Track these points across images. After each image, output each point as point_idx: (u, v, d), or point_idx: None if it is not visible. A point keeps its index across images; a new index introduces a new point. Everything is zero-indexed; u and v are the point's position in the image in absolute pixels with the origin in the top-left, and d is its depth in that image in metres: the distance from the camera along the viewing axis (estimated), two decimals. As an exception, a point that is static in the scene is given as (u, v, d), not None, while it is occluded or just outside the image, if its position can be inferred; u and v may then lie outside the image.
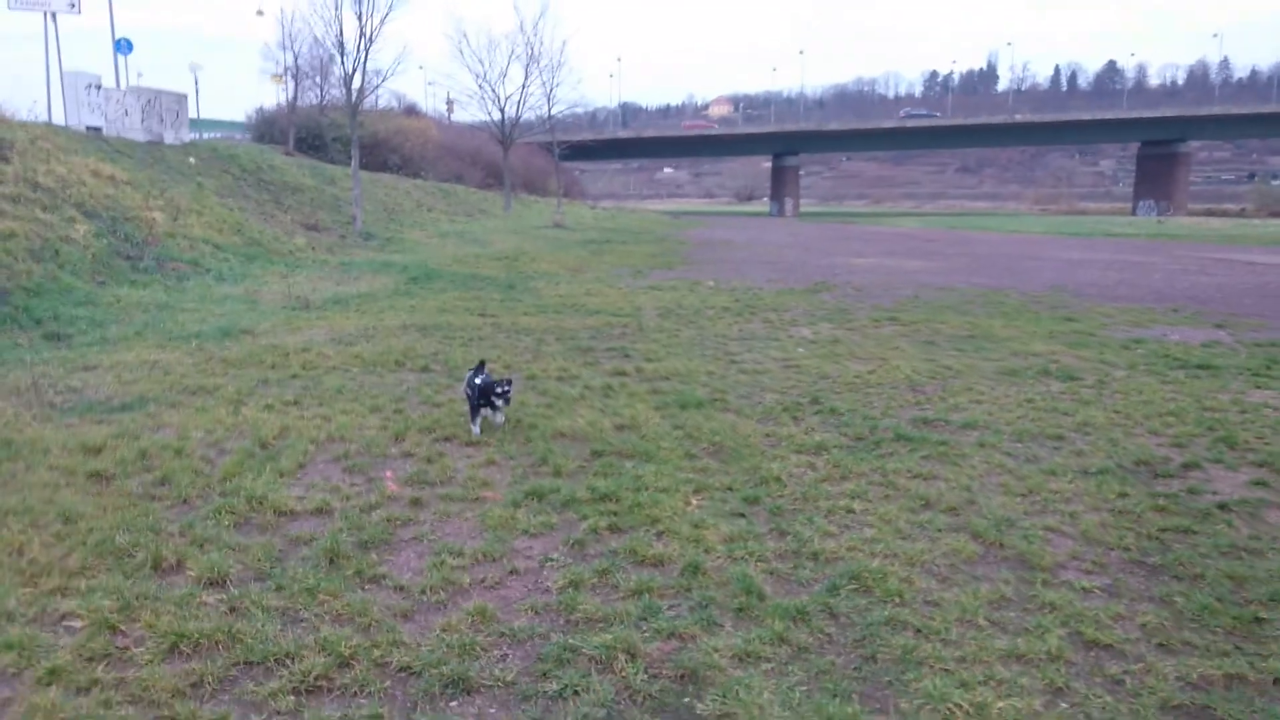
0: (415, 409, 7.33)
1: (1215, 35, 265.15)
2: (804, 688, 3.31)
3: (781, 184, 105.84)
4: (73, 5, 23.12)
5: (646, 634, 3.68)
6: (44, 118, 23.88)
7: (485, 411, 6.60)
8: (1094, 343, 11.01)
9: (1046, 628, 3.78)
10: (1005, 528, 4.90)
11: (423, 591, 4.07)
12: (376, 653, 3.49)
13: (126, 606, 3.81)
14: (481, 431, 6.53)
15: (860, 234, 44.31)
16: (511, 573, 4.32)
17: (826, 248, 31.77)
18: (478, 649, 3.56)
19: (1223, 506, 5.29)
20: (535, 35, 47.69)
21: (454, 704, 3.18)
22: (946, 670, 3.43)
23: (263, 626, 3.67)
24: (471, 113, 53.66)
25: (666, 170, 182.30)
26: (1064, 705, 3.24)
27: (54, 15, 24.24)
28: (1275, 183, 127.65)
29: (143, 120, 26.57)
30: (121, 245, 15.61)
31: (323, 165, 35.84)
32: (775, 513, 5.09)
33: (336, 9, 26.91)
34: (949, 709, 3.17)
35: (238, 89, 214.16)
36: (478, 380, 6.57)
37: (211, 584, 4.08)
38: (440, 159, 54.42)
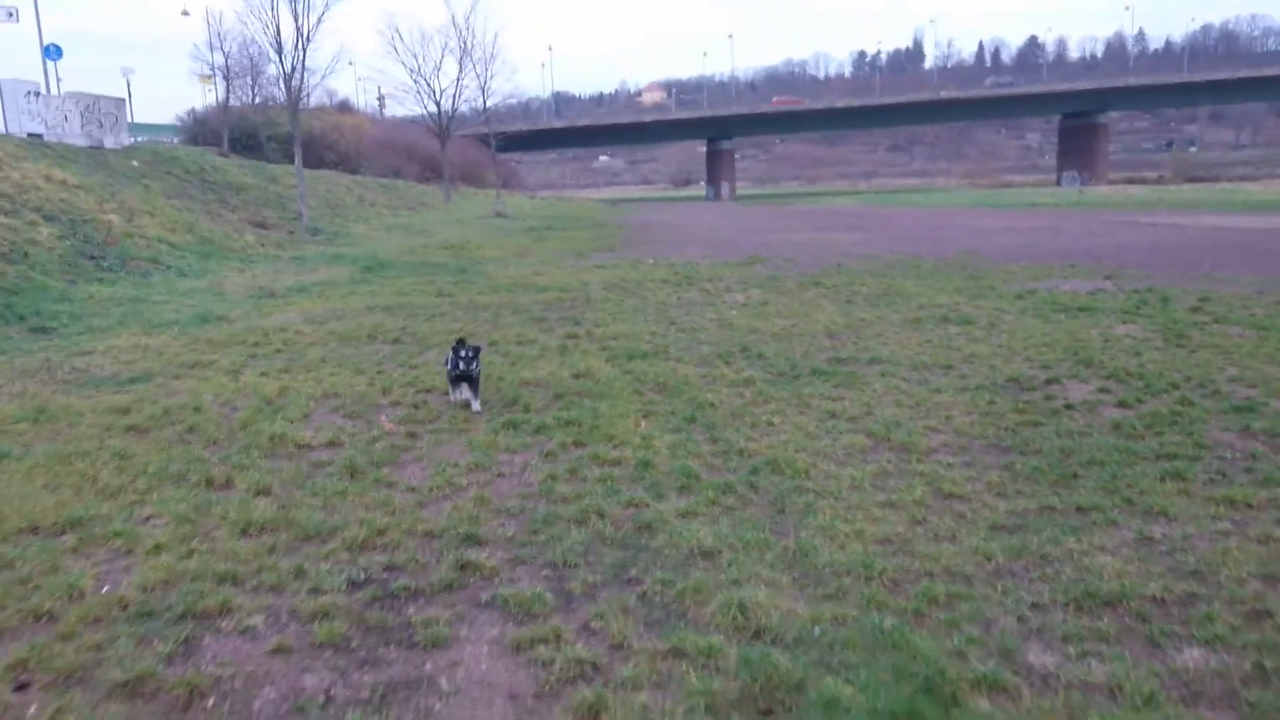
0: (395, 370, 8.34)
1: (1126, 8, 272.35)
2: (729, 528, 4.44)
3: (717, 168, 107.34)
4: (10, 15, 23.43)
5: (611, 504, 4.78)
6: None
7: (464, 390, 6.98)
8: (992, 295, 12.35)
9: (914, 486, 4.97)
10: (893, 428, 6.09)
11: (430, 490, 5.12)
12: (404, 525, 4.55)
13: (197, 509, 4.81)
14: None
15: (794, 213, 45.75)
16: (499, 475, 5.39)
17: (761, 226, 33.07)
18: (481, 520, 4.63)
19: (1069, 406, 6.55)
20: (467, 29, 47.99)
21: (469, 551, 4.24)
22: (836, 514, 4.59)
23: (310, 515, 4.70)
24: (407, 107, 53.96)
25: (602, 159, 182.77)
26: (919, 529, 4.41)
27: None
28: (1192, 150, 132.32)
29: (83, 126, 26.89)
30: (84, 246, 16.26)
31: (262, 164, 36.22)
32: (709, 427, 6.23)
33: (273, 9, 27.42)
34: (835, 533, 4.33)
35: (167, 91, 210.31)
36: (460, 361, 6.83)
37: (259, 493, 5.09)
38: (377, 154, 54.74)
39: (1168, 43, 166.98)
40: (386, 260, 20.27)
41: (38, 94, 25.61)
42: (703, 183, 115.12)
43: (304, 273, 17.81)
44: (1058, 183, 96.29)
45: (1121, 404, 6.62)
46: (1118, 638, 3.37)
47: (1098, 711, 2.88)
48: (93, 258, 15.95)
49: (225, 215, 25.45)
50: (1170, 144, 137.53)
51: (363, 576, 4.00)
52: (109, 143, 27.69)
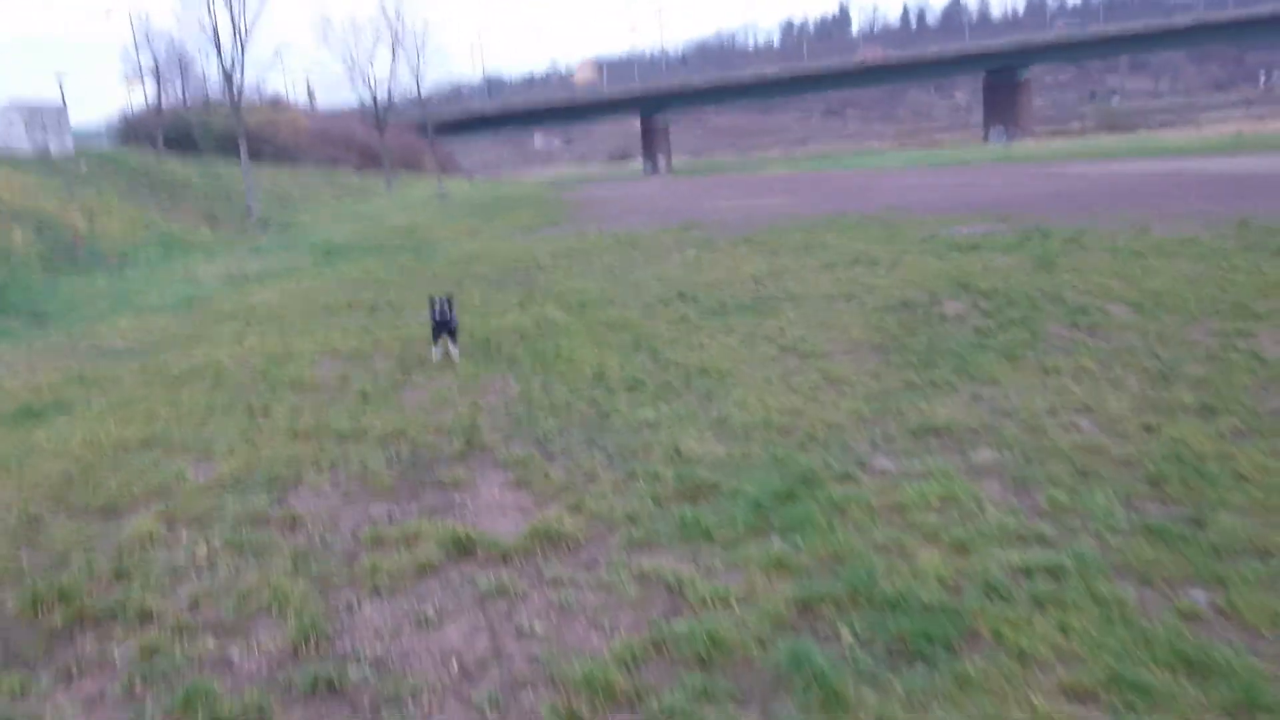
0: (379, 331, 9.60)
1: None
2: (668, 409, 5.85)
3: (652, 143, 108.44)
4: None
5: (576, 400, 6.17)
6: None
7: (444, 341, 7.99)
8: (901, 240, 13.90)
9: (810, 376, 6.42)
10: (800, 341, 7.54)
11: (432, 404, 6.46)
12: (418, 425, 5.89)
13: (249, 427, 6.10)
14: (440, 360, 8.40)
15: (729, 182, 47.23)
16: (485, 393, 6.73)
17: (697, 196, 34.48)
18: (478, 418, 5.98)
19: (942, 318, 8.07)
20: (397, 18, 48.58)
21: (473, 436, 5.59)
22: (749, 395, 6.01)
23: (341, 423, 6.01)
24: (342, 96, 54.46)
25: (538, 139, 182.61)
26: (810, 402, 5.85)
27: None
28: (1115, 100, 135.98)
29: (28, 133, 27.44)
30: (55, 246, 17.16)
31: (204, 162, 36.77)
32: (652, 351, 7.63)
33: (210, 9, 28.08)
34: (747, 406, 5.76)
35: (94, 93, 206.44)
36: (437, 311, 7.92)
37: (294, 414, 6.38)
38: (314, 146, 55.11)
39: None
40: (343, 245, 21.34)
41: (-18, 103, 26.11)
42: (639, 158, 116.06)
43: (267, 260, 18.85)
44: (985, 139, 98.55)
45: (985, 314, 8.15)
46: (938, 449, 4.84)
47: (910, 485, 4.32)
48: (66, 256, 16.87)
49: (177, 212, 26.20)
50: (1094, 95, 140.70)
51: (395, 455, 5.34)
52: (54, 148, 28.24)
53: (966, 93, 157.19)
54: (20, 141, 26.67)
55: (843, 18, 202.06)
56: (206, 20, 28.49)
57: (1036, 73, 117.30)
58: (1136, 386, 5.66)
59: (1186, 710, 2.59)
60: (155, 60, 42.72)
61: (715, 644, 3.06)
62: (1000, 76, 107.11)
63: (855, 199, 24.97)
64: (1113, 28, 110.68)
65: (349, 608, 3.57)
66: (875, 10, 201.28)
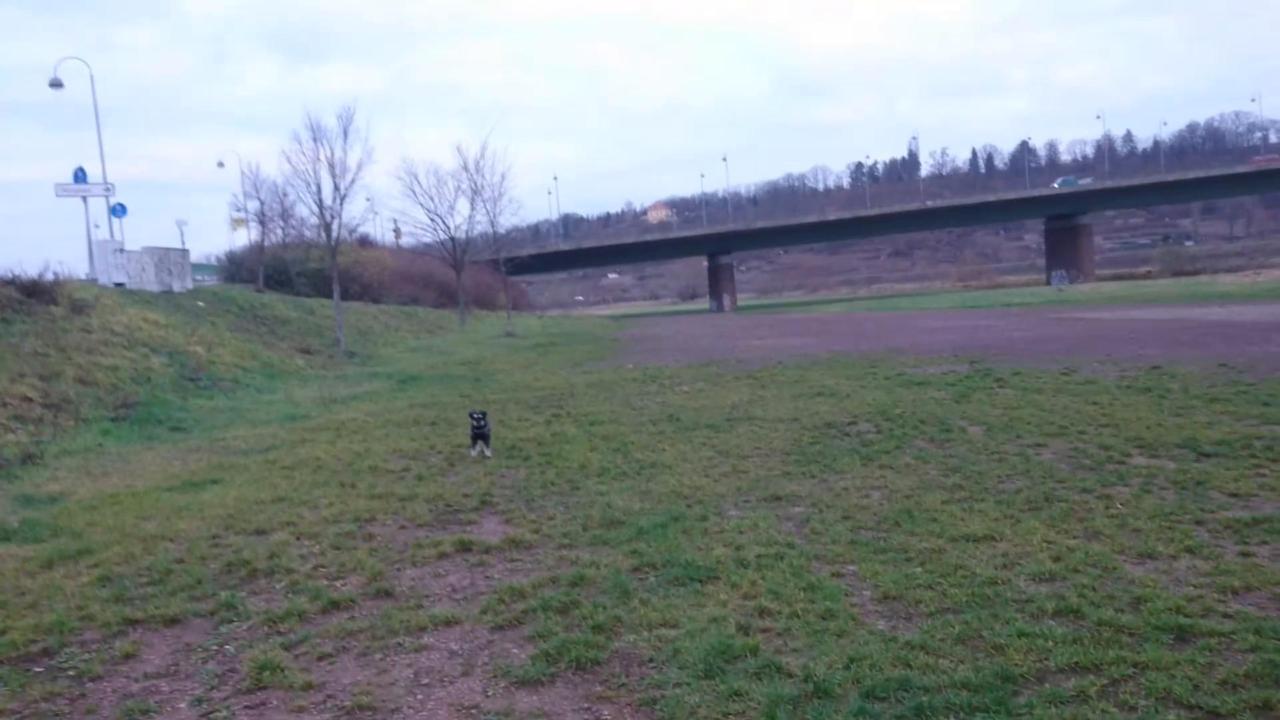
0: (438, 438, 12.70)
1: (1097, 116, 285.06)
2: (617, 485, 8.74)
3: (718, 281, 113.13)
4: (108, 190, 28.69)
5: (559, 481, 9.12)
6: (80, 278, 29.28)
7: (480, 445, 11.51)
8: (870, 377, 16.73)
9: (724, 467, 9.28)
10: (733, 448, 10.41)
11: (465, 483, 9.44)
12: (452, 493, 8.87)
13: (342, 492, 9.14)
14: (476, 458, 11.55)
15: (778, 321, 50.56)
16: (502, 476, 9.70)
17: (737, 335, 37.71)
18: (492, 491, 8.94)
19: (846, 434, 10.88)
20: (478, 171, 53.73)
21: (485, 499, 8.54)
22: (673, 478, 8.88)
23: (401, 491, 9.01)
24: (422, 235, 59.59)
25: (611, 276, 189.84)
26: (712, 481, 8.68)
27: (86, 199, 29.84)
28: (1188, 243, 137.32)
29: (156, 275, 32.00)
30: (183, 371, 20.87)
31: (299, 299, 41.33)
32: (626, 452, 10.56)
33: (314, 172, 32.73)
34: (668, 484, 8.62)
35: (206, 231, 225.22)
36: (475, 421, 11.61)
37: (371, 486, 9.40)
38: (397, 284, 60.14)
39: (1155, 142, 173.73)
40: (416, 375, 24.85)
41: (122, 250, 30.75)
42: (707, 296, 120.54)
43: (352, 386, 22.36)
44: (1047, 281, 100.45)
45: (879, 431, 10.95)
46: (770, 507, 7.64)
47: (737, 522, 7.12)
48: (192, 380, 20.54)
49: (277, 344, 30.22)
50: (1166, 239, 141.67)
51: (434, 508, 8.32)
52: (176, 287, 32.76)
53: (1036, 234, 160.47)
54: (150, 283, 31.17)
55: (911, 161, 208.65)
56: (310, 178, 33.02)
57: (1106, 216, 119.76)
58: (929, 475, 8.42)
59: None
60: (260, 204, 48.18)
61: (581, 581, 5.92)
62: (1061, 221, 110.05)
63: (871, 340, 27.87)
64: (1171, 175, 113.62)
65: (398, 570, 6.51)
66: (944, 153, 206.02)
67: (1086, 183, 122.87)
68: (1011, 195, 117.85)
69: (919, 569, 5.80)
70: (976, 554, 6.03)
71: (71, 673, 5.05)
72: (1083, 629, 4.69)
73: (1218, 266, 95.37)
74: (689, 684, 4.36)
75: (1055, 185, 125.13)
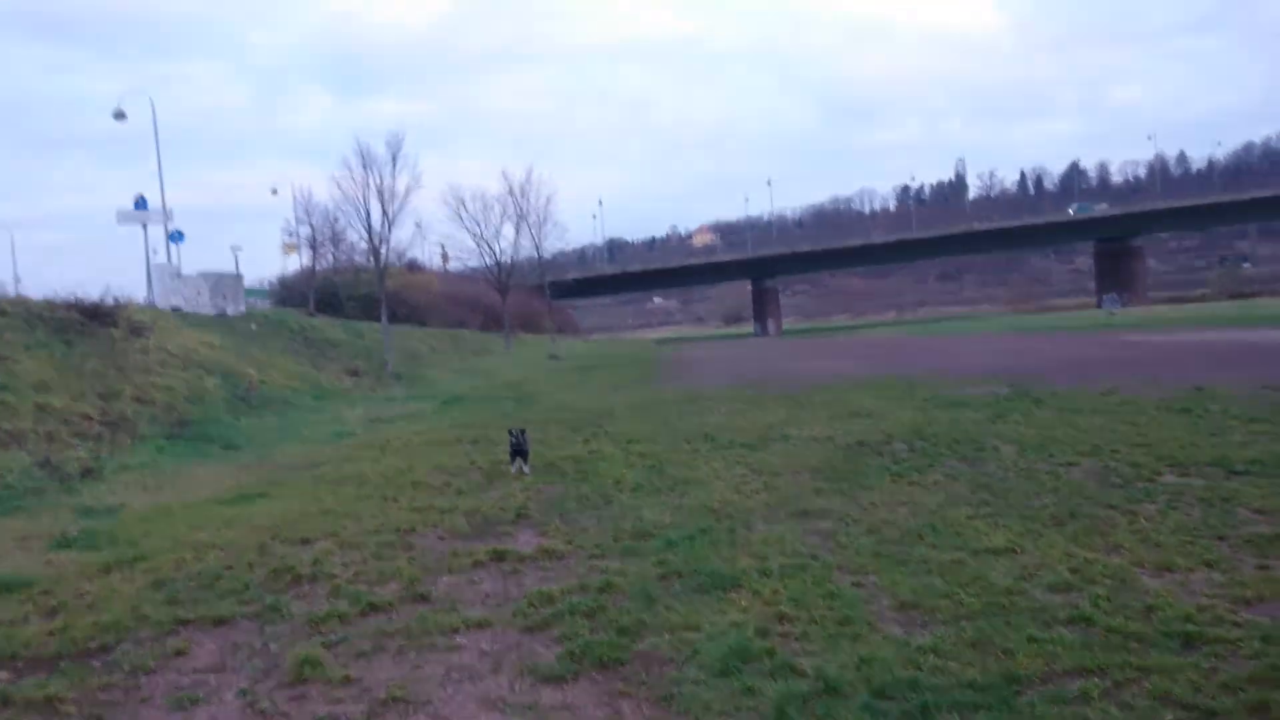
0: (479, 455, 13.01)
1: (1149, 137, 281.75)
2: (649, 500, 8.95)
3: (763, 305, 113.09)
4: (167, 217, 29.65)
5: (594, 496, 9.34)
6: (138, 301, 30.24)
7: (519, 461, 11.91)
8: (908, 398, 16.78)
9: (756, 484, 9.45)
10: (765, 465, 10.57)
11: (502, 498, 9.70)
12: (490, 506, 9.14)
13: (384, 504, 9.45)
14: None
15: (822, 345, 50.48)
16: (539, 492, 9.96)
17: (780, 358, 37.78)
18: (529, 505, 9.19)
19: (879, 453, 10.98)
20: (523, 196, 54.59)
21: (521, 512, 8.79)
22: (705, 492, 9.06)
23: (441, 504, 9.30)
24: (469, 259, 60.45)
25: (656, 300, 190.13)
26: (744, 497, 8.85)
27: (146, 226, 30.86)
28: (1246, 265, 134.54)
29: (211, 298, 32.91)
30: (236, 391, 21.48)
31: (349, 322, 42.16)
32: (660, 470, 10.77)
33: (363, 199, 33.53)
34: (700, 497, 8.82)
35: (260, 256, 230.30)
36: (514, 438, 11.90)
37: (412, 500, 9.70)
38: (443, 307, 61.03)
39: (1209, 162, 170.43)
40: (460, 396, 25.29)
41: (179, 275, 31.73)
42: (752, 319, 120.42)
43: (398, 407, 22.83)
44: (1098, 304, 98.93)
45: (912, 450, 11.04)
46: (798, 520, 7.79)
47: (764, 535, 7.29)
48: (243, 400, 21.13)
49: (327, 365, 30.89)
50: (1223, 260, 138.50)
51: (472, 521, 8.60)
52: (230, 311, 33.63)
53: (1087, 257, 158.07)
54: (205, 306, 32.06)
55: (959, 184, 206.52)
56: (360, 204, 33.80)
57: (1160, 238, 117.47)
58: (958, 491, 8.53)
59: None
60: (312, 229, 49.29)
61: (609, 588, 6.14)
62: (1112, 244, 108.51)
63: (912, 362, 27.82)
64: (1224, 197, 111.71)
65: (435, 577, 6.78)
66: (992, 175, 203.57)
67: (1103, 208, 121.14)
68: (1060, 218, 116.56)
69: (938, 579, 5.93)
70: (996, 566, 6.15)
71: (127, 667, 5.36)
72: (1092, 635, 4.81)
73: (1276, 289, 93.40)
74: (705, 682, 4.56)
75: (1071, 211, 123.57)
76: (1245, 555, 6.07)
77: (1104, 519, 7.20)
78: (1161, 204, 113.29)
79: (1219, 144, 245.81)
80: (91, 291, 22.80)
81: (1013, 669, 4.44)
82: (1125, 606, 5.18)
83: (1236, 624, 4.84)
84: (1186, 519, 7.04)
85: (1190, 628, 4.78)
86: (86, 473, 12.55)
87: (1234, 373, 17.85)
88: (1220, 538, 6.50)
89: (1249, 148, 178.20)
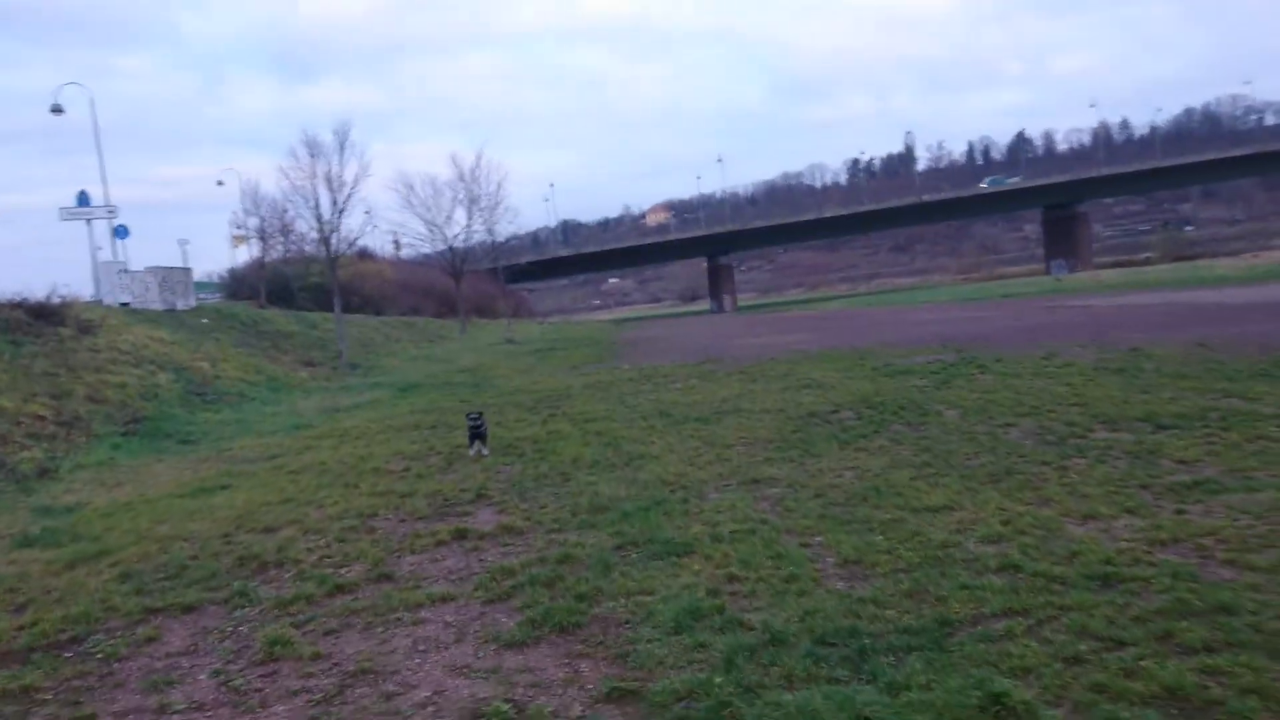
0: (437, 440, 13.16)
1: (1092, 105, 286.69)
2: (606, 475, 9.19)
3: (718, 282, 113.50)
4: (110, 212, 29.23)
5: (551, 474, 9.57)
6: (85, 298, 29.82)
7: (478, 444, 12.11)
8: (857, 368, 17.17)
9: (709, 456, 9.73)
10: (718, 438, 10.86)
11: (462, 479, 9.90)
12: (450, 488, 9.33)
13: (346, 491, 9.60)
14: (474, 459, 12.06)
15: (776, 319, 50.95)
16: (498, 472, 10.16)
17: (734, 334, 38.15)
18: (488, 485, 9.40)
19: (828, 422, 11.32)
20: (474, 181, 54.34)
21: (480, 492, 9.00)
22: (659, 467, 9.33)
23: (402, 489, 9.47)
24: (421, 246, 60.08)
25: (612, 280, 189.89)
26: (697, 469, 9.13)
27: (90, 222, 30.40)
28: (1187, 229, 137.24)
29: (160, 294, 32.52)
30: (190, 386, 21.37)
31: (302, 313, 41.85)
32: (616, 446, 11.01)
33: (313, 188, 33.23)
34: (654, 471, 9.08)
35: (208, 250, 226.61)
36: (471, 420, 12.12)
37: (373, 485, 9.87)
38: (397, 295, 60.74)
39: (1151, 128, 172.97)
40: (416, 383, 25.32)
41: (126, 271, 31.29)
42: (708, 297, 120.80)
43: (355, 396, 22.84)
44: (1047, 271, 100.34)
45: (859, 418, 11.39)
46: (748, 489, 8.08)
47: (716, 503, 7.57)
48: (198, 394, 21.04)
49: (281, 357, 30.72)
50: (1165, 225, 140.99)
51: (432, 502, 8.79)
52: (180, 305, 33.27)
53: (1035, 225, 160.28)
54: (154, 302, 31.69)
55: (908, 156, 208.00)
56: (309, 194, 33.48)
57: (1105, 204, 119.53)
58: (901, 455, 8.88)
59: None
60: (260, 220, 48.71)
61: (567, 559, 6.39)
62: (1057, 211, 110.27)
63: (862, 334, 28.29)
64: (1166, 161, 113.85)
65: (398, 557, 6.98)
66: (940, 146, 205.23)
67: (1014, 181, 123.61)
68: (1003, 188, 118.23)
69: (880, 537, 6.26)
70: (935, 522, 6.49)
71: (99, 655, 5.51)
72: (1019, 581, 5.15)
73: (1217, 250, 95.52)
74: (659, 640, 4.83)
75: (983, 185, 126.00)
76: (1165, 502, 6.46)
77: (1037, 475, 7.59)
78: (1106, 170, 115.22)
79: (1159, 110, 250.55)
80: (37, 290, 22.54)
81: (945, 614, 4.75)
82: (1051, 553, 5.53)
83: (1151, 564, 5.20)
84: (1113, 471, 7.44)
85: (1109, 569, 5.13)
86: (43, 473, 12.54)
87: (1169, 333, 18.48)
88: (1144, 487, 6.90)
89: (1189, 113, 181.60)
